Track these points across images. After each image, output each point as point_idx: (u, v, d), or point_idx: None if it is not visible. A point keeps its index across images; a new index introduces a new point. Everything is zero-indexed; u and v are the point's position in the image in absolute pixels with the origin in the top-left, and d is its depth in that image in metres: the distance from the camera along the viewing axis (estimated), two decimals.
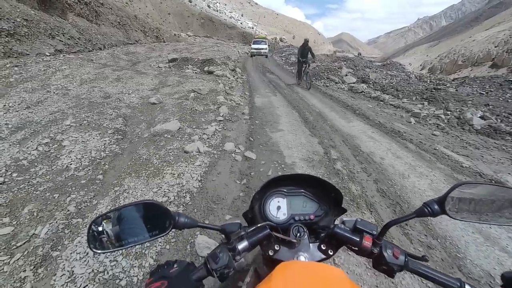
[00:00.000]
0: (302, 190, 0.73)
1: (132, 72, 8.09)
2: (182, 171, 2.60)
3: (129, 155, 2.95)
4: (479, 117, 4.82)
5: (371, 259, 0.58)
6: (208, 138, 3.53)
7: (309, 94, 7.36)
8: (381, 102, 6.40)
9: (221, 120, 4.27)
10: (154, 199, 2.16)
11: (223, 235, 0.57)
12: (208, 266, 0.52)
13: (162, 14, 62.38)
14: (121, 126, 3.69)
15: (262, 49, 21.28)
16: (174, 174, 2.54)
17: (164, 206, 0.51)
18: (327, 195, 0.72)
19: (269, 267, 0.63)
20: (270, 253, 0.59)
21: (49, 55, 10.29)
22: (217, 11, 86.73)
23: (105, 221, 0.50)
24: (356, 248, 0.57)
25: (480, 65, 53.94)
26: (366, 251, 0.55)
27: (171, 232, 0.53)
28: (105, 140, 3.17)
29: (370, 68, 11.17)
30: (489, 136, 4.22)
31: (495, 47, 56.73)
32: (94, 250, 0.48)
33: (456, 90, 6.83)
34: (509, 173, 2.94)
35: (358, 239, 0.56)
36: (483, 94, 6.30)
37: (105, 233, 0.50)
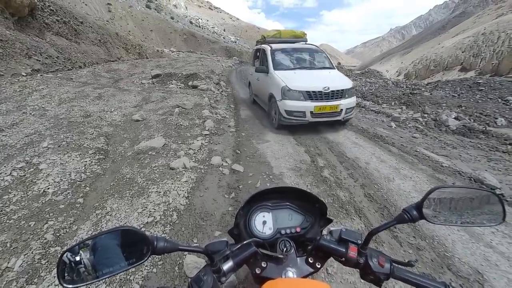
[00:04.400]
0: (287, 203, 0.72)
1: (114, 90, 7.96)
2: (168, 189, 2.52)
3: (111, 175, 2.84)
4: (454, 118, 5.09)
5: (358, 269, 0.57)
6: (194, 153, 3.47)
7: None
8: (363, 109, 6.63)
9: (207, 134, 4.24)
10: (133, 224, 2.07)
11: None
12: None
13: (144, 31, 62.56)
14: (103, 146, 3.56)
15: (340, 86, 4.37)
16: (159, 192, 2.46)
17: (141, 232, 0.49)
18: (311, 206, 0.72)
19: (259, 284, 0.60)
20: (257, 271, 0.58)
21: (26, 75, 9.96)
22: (199, 26, 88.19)
23: (79, 251, 0.46)
24: (343, 259, 0.56)
25: (450, 69, 57.55)
26: (352, 261, 0.55)
27: (150, 258, 0.51)
28: (86, 161, 3.04)
29: (350, 77, 11.61)
30: (464, 136, 4.44)
31: (462, 52, 61.04)
32: (66, 285, 0.44)
33: (431, 94, 7.22)
34: (486, 170, 3.08)
35: (343, 250, 0.56)
36: (455, 96, 6.70)
37: (77, 266, 0.46)
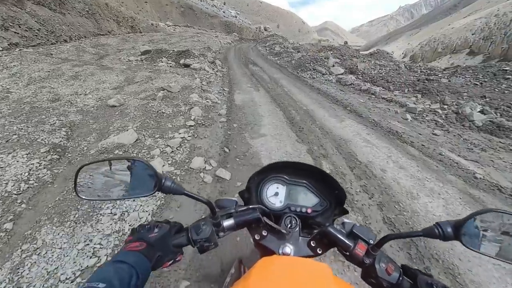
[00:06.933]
0: (305, 181, 0.68)
1: (95, 68, 7.12)
2: (126, 209, 1.93)
3: (61, 185, 2.24)
4: (479, 111, 4.42)
5: (361, 268, 0.53)
6: (172, 152, 2.85)
7: (295, 88, 6.75)
8: (372, 96, 5.91)
9: (192, 126, 3.59)
10: (66, 271, 1.51)
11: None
12: (189, 235, 0.52)
13: (138, 3, 59.02)
14: (61, 141, 2.93)
15: None
16: (114, 214, 1.87)
17: (153, 167, 0.48)
18: (330, 191, 0.67)
19: (258, 250, 0.61)
20: (257, 237, 0.58)
21: (2, 50, 9.07)
22: None
23: (94, 169, 0.49)
24: (347, 253, 0.53)
25: (458, 52, 55.51)
26: (357, 258, 0.52)
27: (157, 194, 0.57)
28: (33, 164, 2.42)
29: (357, 58, 10.66)
30: (492, 134, 3.81)
31: (472, 34, 58.46)
32: (80, 195, 0.48)
33: (449, 81, 6.45)
34: None
35: (351, 245, 0.52)
36: (477, 85, 5.95)
37: (92, 181, 0.49)
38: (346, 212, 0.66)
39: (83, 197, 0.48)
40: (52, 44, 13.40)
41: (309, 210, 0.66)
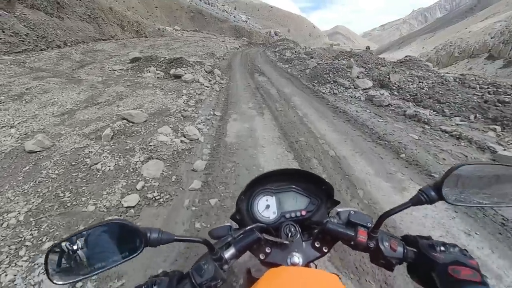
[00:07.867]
0: (292, 186, 0.68)
1: (60, 81, 5.66)
2: None
3: None
4: None
5: (368, 253, 0.53)
6: None
7: (312, 110, 5.04)
8: (427, 126, 4.10)
9: (132, 206, 1.95)
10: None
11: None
12: (193, 280, 0.46)
13: (148, 8, 59.27)
14: None
15: None
16: None
17: (133, 224, 0.44)
18: (317, 188, 0.67)
19: (267, 268, 0.55)
20: (261, 257, 0.56)
21: None
22: (208, 4, 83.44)
23: (67, 246, 0.41)
24: (352, 243, 0.52)
25: (476, 56, 52.67)
26: (362, 245, 0.51)
27: (144, 250, 0.43)
28: None
29: (384, 66, 8.85)
30: None
31: (491, 38, 55.20)
32: (56, 281, 0.39)
33: None
34: None
35: (352, 234, 0.52)
36: None
37: (67, 260, 0.41)
38: (337, 202, 0.66)
39: (59, 283, 0.39)
40: (42, 50, 12.30)
41: (303, 213, 0.66)
